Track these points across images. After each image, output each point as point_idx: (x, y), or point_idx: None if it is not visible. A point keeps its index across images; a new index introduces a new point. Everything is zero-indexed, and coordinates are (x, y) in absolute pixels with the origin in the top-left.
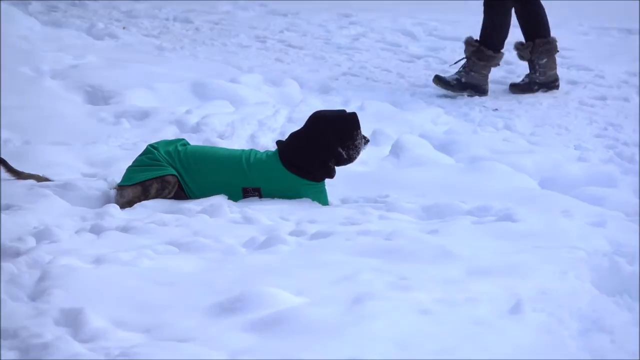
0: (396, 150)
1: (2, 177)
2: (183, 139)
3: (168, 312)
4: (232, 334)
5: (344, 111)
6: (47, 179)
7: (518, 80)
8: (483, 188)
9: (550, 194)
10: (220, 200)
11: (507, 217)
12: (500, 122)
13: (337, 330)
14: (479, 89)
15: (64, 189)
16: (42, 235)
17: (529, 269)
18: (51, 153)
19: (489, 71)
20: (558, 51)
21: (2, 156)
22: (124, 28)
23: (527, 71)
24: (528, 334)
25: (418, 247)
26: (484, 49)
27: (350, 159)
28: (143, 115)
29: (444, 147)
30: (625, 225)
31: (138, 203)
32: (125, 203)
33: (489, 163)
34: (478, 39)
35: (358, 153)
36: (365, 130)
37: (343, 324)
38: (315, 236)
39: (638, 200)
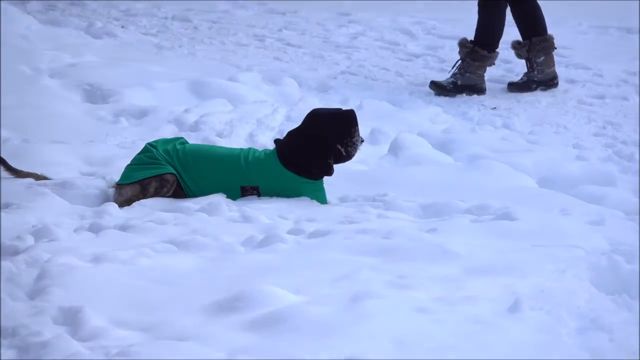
0: (395, 149)
1: (1, 176)
2: (182, 138)
3: (167, 310)
4: (230, 332)
5: (341, 109)
6: (45, 178)
7: (517, 79)
8: (481, 187)
9: (549, 193)
10: (218, 198)
11: (506, 216)
12: (499, 121)
13: (336, 328)
14: (476, 88)
15: (63, 187)
16: (40, 233)
17: (527, 267)
18: (50, 152)
19: (484, 70)
20: (556, 48)
21: (1, 155)
22: (122, 27)
23: (526, 69)
24: (526, 333)
25: (416, 245)
26: (478, 49)
27: (348, 156)
28: (142, 114)
29: (443, 145)
30: (624, 223)
31: (137, 202)
32: (124, 202)
33: (488, 162)
34: (472, 39)
35: (356, 150)
36: (363, 128)
37: (342, 322)
38: (314, 235)
39: (637, 199)
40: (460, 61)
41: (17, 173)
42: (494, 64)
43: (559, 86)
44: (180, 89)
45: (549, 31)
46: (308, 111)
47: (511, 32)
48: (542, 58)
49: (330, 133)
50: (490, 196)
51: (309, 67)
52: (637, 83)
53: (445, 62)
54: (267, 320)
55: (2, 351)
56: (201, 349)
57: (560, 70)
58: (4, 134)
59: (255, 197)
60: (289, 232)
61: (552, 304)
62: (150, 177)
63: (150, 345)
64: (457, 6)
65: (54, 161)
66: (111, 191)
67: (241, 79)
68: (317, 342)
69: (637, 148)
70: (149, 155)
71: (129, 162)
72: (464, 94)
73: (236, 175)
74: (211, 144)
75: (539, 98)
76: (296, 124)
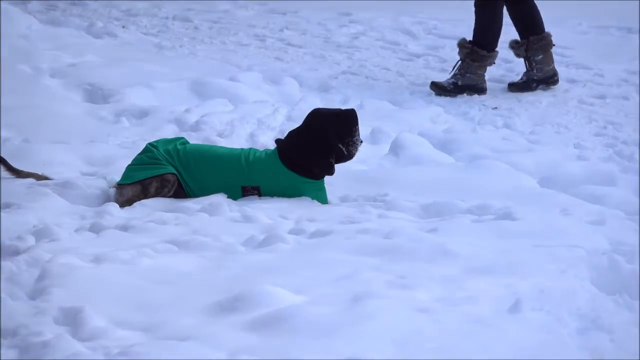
0: (395, 148)
1: (1, 176)
2: (182, 138)
3: (167, 310)
4: (231, 332)
5: (342, 109)
6: (46, 178)
7: (517, 78)
8: (482, 187)
9: (550, 193)
10: (219, 198)
11: (507, 216)
12: (500, 121)
13: (337, 329)
14: (477, 88)
15: (64, 187)
16: (41, 233)
17: (528, 267)
18: (50, 152)
19: (484, 70)
20: (554, 45)
21: (1, 155)
22: (123, 27)
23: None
24: (527, 333)
25: (417, 245)
26: (477, 49)
27: (349, 156)
28: (142, 114)
29: (444, 145)
30: (624, 223)
31: (137, 202)
32: (125, 202)
33: (489, 162)
34: (471, 39)
35: (356, 149)
36: (364, 128)
37: (342, 322)
38: (315, 235)
39: (637, 199)
40: (460, 62)
41: (18, 173)
42: (494, 63)
43: (559, 86)
44: (181, 88)
45: (549, 31)
46: (309, 111)
47: (511, 31)
48: (540, 56)
49: (331, 132)
50: (491, 196)
51: (310, 67)
52: (638, 83)
53: (446, 62)
54: (267, 320)
55: (2, 351)
56: (202, 349)
57: (560, 70)
58: (4, 134)
59: (256, 197)
60: (290, 232)
61: (552, 304)
62: (151, 177)
63: (151, 345)
64: (457, 6)
65: (55, 161)
66: (112, 191)
67: (242, 79)
68: (318, 342)
69: (638, 148)
70: (149, 155)
71: (129, 162)
72: (465, 94)
73: (237, 175)
74: (212, 144)
75: (540, 98)
76: (297, 123)
